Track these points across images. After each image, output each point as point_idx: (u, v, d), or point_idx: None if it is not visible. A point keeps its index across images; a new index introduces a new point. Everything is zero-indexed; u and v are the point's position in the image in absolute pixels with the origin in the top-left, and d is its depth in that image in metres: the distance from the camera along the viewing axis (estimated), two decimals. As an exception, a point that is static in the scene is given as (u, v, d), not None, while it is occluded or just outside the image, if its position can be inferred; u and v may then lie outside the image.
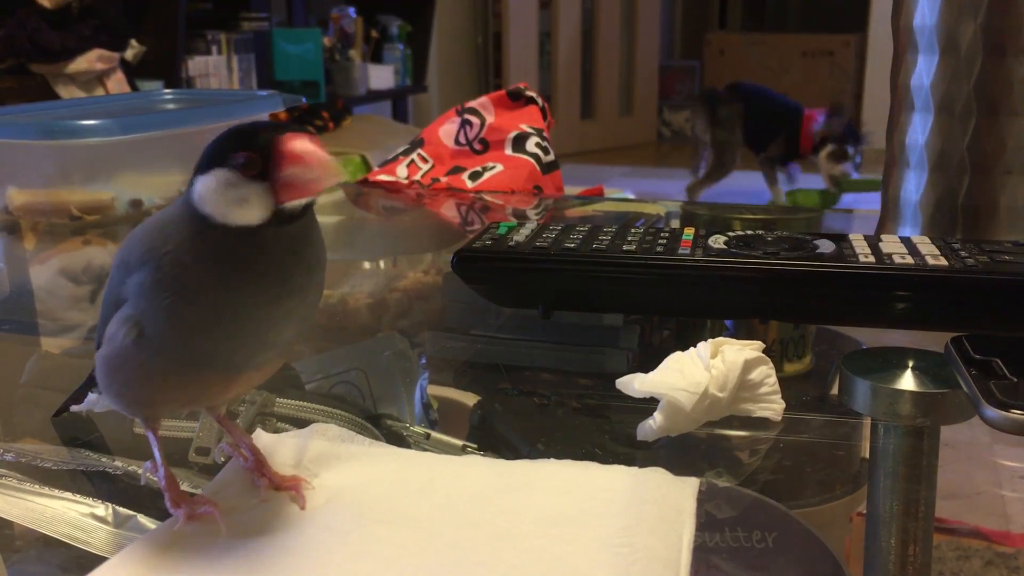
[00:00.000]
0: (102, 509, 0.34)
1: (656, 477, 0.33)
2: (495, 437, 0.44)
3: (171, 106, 0.82)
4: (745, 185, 3.66)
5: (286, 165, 0.27)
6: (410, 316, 0.63)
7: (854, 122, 3.36)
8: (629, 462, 0.34)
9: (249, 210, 0.28)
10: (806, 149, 3.36)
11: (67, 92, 2.08)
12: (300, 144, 0.28)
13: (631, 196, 0.87)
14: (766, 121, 3.49)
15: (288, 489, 0.32)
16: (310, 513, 0.31)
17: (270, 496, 0.32)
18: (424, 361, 0.55)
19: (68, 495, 0.35)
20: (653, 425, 0.37)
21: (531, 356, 0.52)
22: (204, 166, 0.29)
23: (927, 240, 0.44)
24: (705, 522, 0.34)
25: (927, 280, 0.40)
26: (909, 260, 0.41)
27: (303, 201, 0.28)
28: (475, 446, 0.42)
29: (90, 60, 2.11)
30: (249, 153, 0.28)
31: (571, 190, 0.92)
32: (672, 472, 0.33)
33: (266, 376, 0.32)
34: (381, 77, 3.46)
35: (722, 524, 0.34)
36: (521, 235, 0.47)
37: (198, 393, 0.31)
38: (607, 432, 0.42)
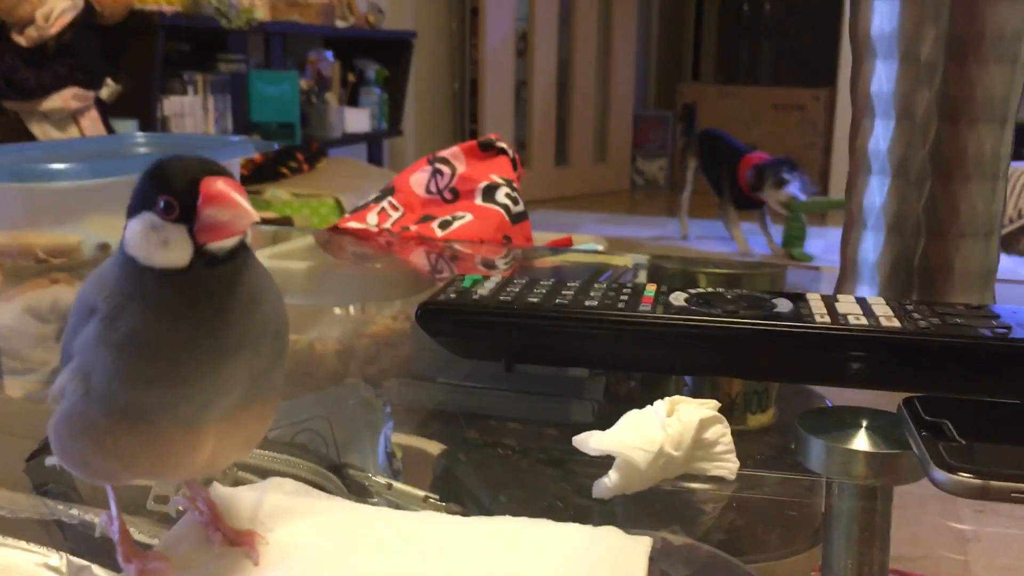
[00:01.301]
0: (56, 559, 0.34)
1: (608, 536, 0.33)
2: (458, 488, 0.44)
3: (143, 150, 0.82)
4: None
5: (204, 207, 0.28)
6: (378, 363, 0.63)
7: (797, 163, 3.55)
8: (589, 515, 0.34)
9: (171, 252, 0.28)
10: (745, 187, 3.50)
11: (40, 130, 2.08)
12: (217, 186, 0.28)
13: (599, 248, 0.88)
14: (714, 163, 3.71)
15: (242, 545, 0.32)
16: (264, 570, 0.31)
17: (224, 551, 0.32)
18: (389, 409, 0.55)
19: (23, 544, 0.35)
20: (608, 483, 0.37)
21: (497, 406, 0.53)
22: (132, 210, 0.29)
23: (882, 301, 0.45)
24: (661, 579, 0.34)
25: (880, 341, 0.41)
26: (863, 321, 0.42)
27: (229, 243, 0.29)
28: (437, 497, 0.41)
29: (65, 98, 2.11)
30: (168, 197, 0.28)
31: (543, 236, 0.93)
32: (631, 527, 0.34)
33: (247, 431, 0.31)
34: (357, 120, 3.48)
35: (679, 581, 0.34)
36: (485, 288, 0.47)
37: (160, 455, 0.30)
38: (569, 485, 0.43)
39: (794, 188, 3.41)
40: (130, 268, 0.29)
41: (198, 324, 0.28)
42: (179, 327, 0.28)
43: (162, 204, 0.28)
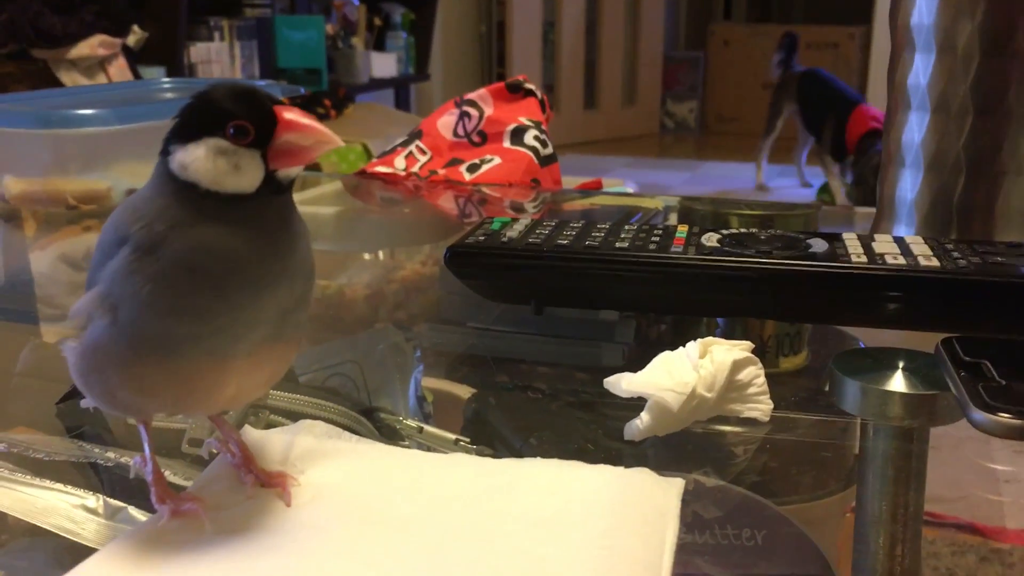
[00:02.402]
0: (93, 500, 0.34)
1: (640, 478, 0.33)
2: (488, 431, 0.44)
3: (169, 95, 0.82)
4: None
5: (284, 132, 0.28)
6: (407, 308, 0.63)
7: None
8: (620, 458, 0.34)
9: (243, 177, 0.28)
10: (851, 147, 3.05)
11: (69, 78, 2.08)
12: (295, 113, 0.28)
13: (630, 190, 0.87)
14: (817, 111, 3.27)
15: (274, 486, 0.32)
16: (295, 511, 0.31)
17: (256, 493, 0.32)
18: (419, 354, 0.55)
19: (59, 486, 0.35)
20: (640, 425, 0.37)
21: (527, 349, 0.52)
22: (187, 135, 0.28)
23: (920, 240, 0.44)
24: (693, 521, 0.34)
25: (918, 281, 0.40)
26: (901, 260, 0.41)
27: (295, 171, 0.29)
28: (468, 440, 0.42)
29: (92, 46, 2.11)
30: (242, 122, 0.28)
31: (572, 181, 0.92)
32: (663, 469, 0.33)
33: (271, 368, 0.31)
34: (384, 65, 3.45)
35: (711, 523, 0.34)
36: (515, 231, 0.47)
37: (186, 388, 0.30)
38: (600, 428, 0.43)
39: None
40: (183, 195, 0.28)
41: (252, 252, 0.28)
42: (234, 254, 0.28)
43: (232, 130, 0.28)
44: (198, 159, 0.28)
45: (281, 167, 0.28)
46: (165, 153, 0.29)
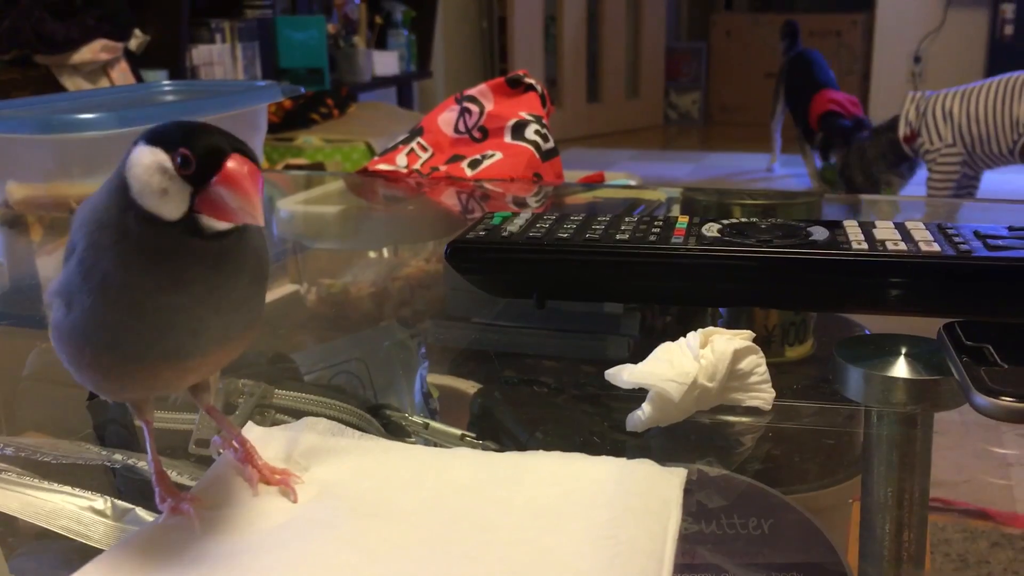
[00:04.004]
0: (101, 502, 0.35)
1: (643, 468, 0.33)
2: (495, 426, 0.44)
3: (170, 98, 0.82)
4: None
5: (219, 183, 0.27)
6: (412, 304, 0.64)
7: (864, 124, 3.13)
8: (624, 450, 0.34)
9: (165, 203, 0.28)
10: (815, 126, 3.21)
11: (71, 83, 2.09)
12: (242, 171, 0.27)
13: (632, 182, 0.87)
14: (796, 91, 3.39)
15: (278, 483, 0.33)
16: (300, 507, 0.32)
17: (261, 490, 0.32)
18: (424, 350, 0.55)
19: (67, 488, 0.35)
20: (642, 416, 0.37)
21: (532, 344, 0.53)
22: (150, 139, 0.28)
23: (921, 226, 0.44)
24: (698, 511, 0.34)
25: (919, 266, 0.40)
26: (902, 246, 0.41)
27: (222, 226, 0.28)
28: (473, 435, 0.42)
29: (94, 50, 2.11)
30: (190, 153, 0.27)
31: (575, 174, 0.92)
32: (666, 460, 0.33)
33: (228, 356, 0.31)
34: (386, 63, 3.45)
35: (716, 512, 0.34)
36: (515, 225, 0.47)
37: (146, 383, 0.31)
38: (606, 420, 0.43)
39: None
40: (118, 197, 0.28)
41: (166, 280, 0.28)
42: (146, 278, 0.28)
43: (180, 157, 0.27)
44: (142, 164, 0.28)
45: (203, 212, 0.28)
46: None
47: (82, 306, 0.29)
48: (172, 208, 0.28)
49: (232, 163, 0.27)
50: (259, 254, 0.31)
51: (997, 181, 2.87)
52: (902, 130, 2.69)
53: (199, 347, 0.30)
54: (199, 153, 0.27)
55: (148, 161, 0.28)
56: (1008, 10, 4.05)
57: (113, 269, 0.28)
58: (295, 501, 0.32)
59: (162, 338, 0.29)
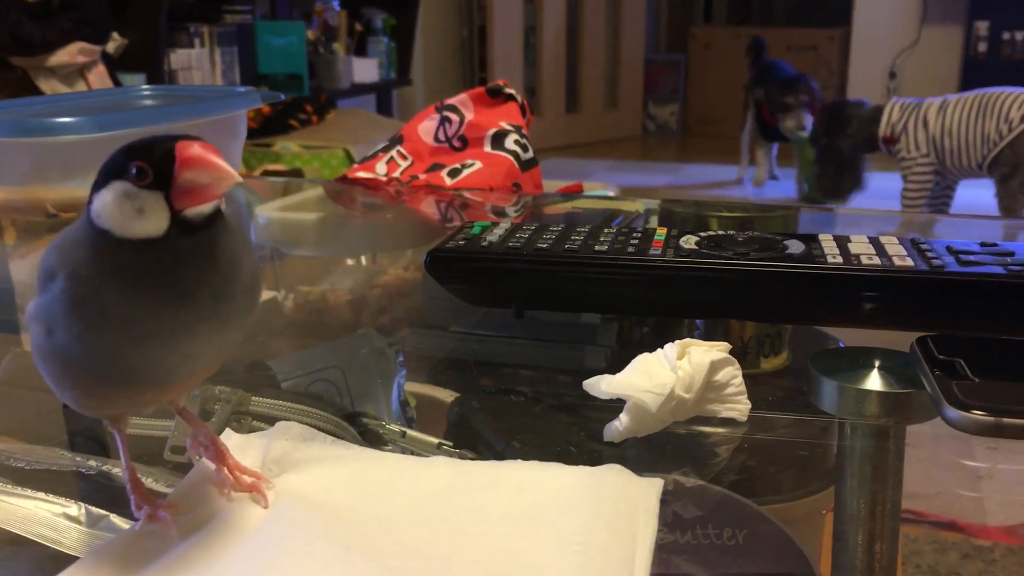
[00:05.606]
0: (75, 509, 0.34)
1: (616, 476, 0.33)
2: (472, 435, 0.44)
3: (149, 102, 0.82)
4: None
5: (181, 171, 0.27)
6: (390, 312, 0.64)
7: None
8: (601, 460, 0.35)
9: (147, 221, 0.27)
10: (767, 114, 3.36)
11: (48, 85, 2.07)
12: (194, 149, 0.27)
13: (610, 193, 0.88)
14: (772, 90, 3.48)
15: (249, 490, 0.33)
16: (272, 513, 0.32)
17: (237, 496, 0.32)
18: (402, 358, 0.55)
19: (41, 495, 0.35)
20: (619, 426, 0.37)
21: (510, 353, 0.53)
22: (100, 182, 0.28)
23: (895, 240, 0.44)
24: (673, 521, 0.34)
25: (893, 281, 0.41)
26: (876, 261, 0.41)
27: (206, 208, 0.28)
28: (450, 444, 0.42)
29: (71, 53, 2.10)
30: (140, 163, 0.27)
31: (554, 184, 0.92)
32: (643, 470, 0.34)
33: (208, 371, 0.32)
34: (365, 70, 3.44)
35: (692, 522, 0.35)
36: (494, 235, 0.47)
37: (127, 404, 0.31)
38: (583, 430, 0.43)
39: (804, 114, 3.21)
40: (102, 243, 0.28)
41: (176, 297, 0.28)
42: (156, 302, 0.28)
43: (134, 171, 0.27)
44: (106, 204, 0.28)
45: (185, 207, 0.27)
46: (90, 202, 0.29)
47: (69, 333, 0.28)
48: (156, 221, 0.27)
49: (182, 148, 0.27)
50: (251, 260, 0.31)
51: (970, 196, 2.90)
52: (883, 129, 2.72)
53: (192, 369, 0.30)
54: (148, 158, 0.27)
55: (111, 197, 0.28)
56: (982, 27, 4.12)
57: (113, 302, 0.28)
58: (265, 507, 0.32)
59: (159, 364, 0.29)
